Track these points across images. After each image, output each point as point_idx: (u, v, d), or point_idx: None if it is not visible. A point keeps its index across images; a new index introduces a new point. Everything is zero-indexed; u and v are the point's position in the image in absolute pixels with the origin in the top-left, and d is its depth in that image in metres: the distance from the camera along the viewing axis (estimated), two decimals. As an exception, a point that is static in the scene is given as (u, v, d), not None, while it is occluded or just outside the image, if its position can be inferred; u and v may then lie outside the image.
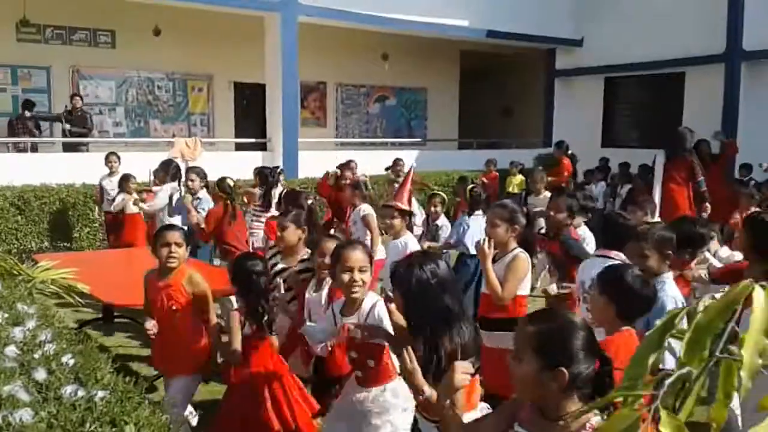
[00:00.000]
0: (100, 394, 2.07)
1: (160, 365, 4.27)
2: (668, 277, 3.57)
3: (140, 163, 9.26)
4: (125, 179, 8.24)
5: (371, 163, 11.80)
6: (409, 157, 14.48)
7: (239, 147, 13.75)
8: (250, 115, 15.09)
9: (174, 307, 3.78)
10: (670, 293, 3.41)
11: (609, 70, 15.85)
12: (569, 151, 11.67)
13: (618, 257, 3.89)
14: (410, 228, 5.74)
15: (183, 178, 7.70)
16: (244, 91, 15.22)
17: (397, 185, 7.12)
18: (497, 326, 3.96)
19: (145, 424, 1.93)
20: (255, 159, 11.97)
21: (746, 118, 13.26)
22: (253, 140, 13.38)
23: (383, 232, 6.38)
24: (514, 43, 15.95)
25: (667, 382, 0.69)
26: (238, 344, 3.56)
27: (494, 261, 4.05)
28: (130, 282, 4.68)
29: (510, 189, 11.29)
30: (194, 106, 14.86)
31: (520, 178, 11.24)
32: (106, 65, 13.60)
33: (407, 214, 5.56)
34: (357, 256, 3.11)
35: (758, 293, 0.72)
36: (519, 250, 4.11)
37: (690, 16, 13.89)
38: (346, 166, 8.68)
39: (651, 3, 14.53)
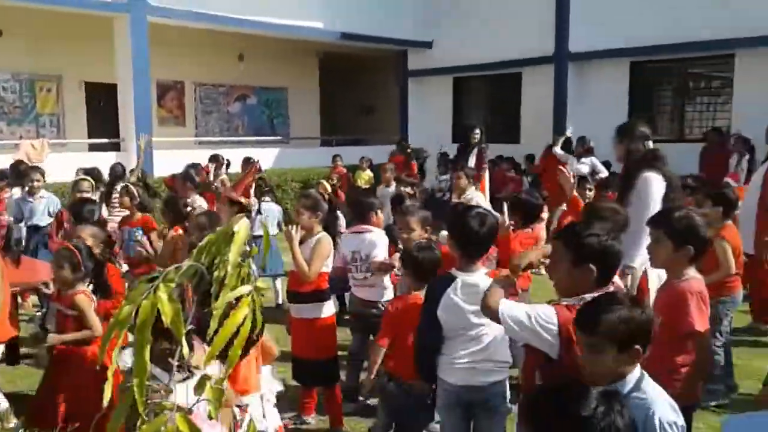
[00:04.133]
0: None
1: None
2: None
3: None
4: None
5: (233, 161, 12.10)
6: (272, 155, 14.97)
7: (93, 147, 13.60)
8: (103, 115, 14.90)
9: None
10: None
11: (456, 70, 16.95)
12: (408, 149, 12.40)
13: (368, 229, 4.73)
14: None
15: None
16: (98, 91, 15.02)
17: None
18: (305, 299, 4.58)
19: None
20: (109, 159, 11.91)
21: (573, 113, 14.68)
22: (105, 140, 13.28)
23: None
24: (368, 45, 16.71)
25: (182, 269, 1.22)
26: None
27: (301, 243, 4.62)
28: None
29: (359, 183, 11.95)
30: (43, 107, 14.51)
31: (368, 173, 11.93)
32: (-54, 66, 13.05)
33: (238, 205, 5.99)
34: None
35: (243, 222, 1.27)
36: (323, 233, 4.70)
37: (524, 20, 15.15)
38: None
39: (490, 8, 15.69)
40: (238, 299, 1.28)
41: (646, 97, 14.58)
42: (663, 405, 2.11)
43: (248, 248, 1.32)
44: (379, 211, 5.05)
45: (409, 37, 16.97)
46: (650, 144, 4.80)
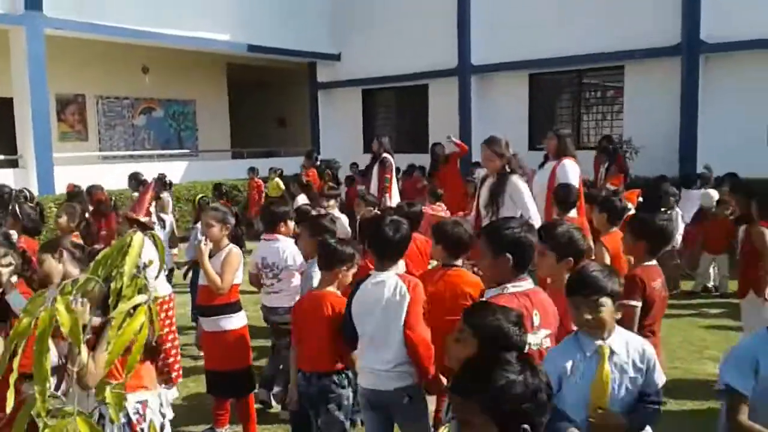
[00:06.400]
0: None
1: None
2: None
3: None
4: None
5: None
6: (180, 169, 14.71)
7: (-11, 164, 12.99)
8: (1, 131, 14.22)
9: None
10: None
11: (365, 82, 17.22)
12: (318, 162, 12.50)
13: (275, 238, 5.15)
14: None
15: None
16: (-7, 106, 14.31)
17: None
18: (216, 312, 4.62)
19: None
20: (6, 177, 11.44)
21: (477, 123, 15.20)
22: (2, 157, 12.71)
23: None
24: (276, 57, 16.73)
25: (78, 282, 1.30)
26: None
27: (211, 256, 4.66)
28: None
29: (269, 193, 11.99)
30: (-69, 123, 13.68)
31: (275, 182, 12.00)
32: None
33: (138, 224, 5.91)
34: None
35: (138, 236, 1.37)
36: (232, 245, 4.75)
37: (430, 34, 15.61)
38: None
39: (396, 21, 16.07)
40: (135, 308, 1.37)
41: (545, 107, 15.27)
42: None
43: (143, 261, 1.41)
44: (289, 221, 5.24)
45: (317, 50, 17.12)
46: (511, 152, 5.93)
